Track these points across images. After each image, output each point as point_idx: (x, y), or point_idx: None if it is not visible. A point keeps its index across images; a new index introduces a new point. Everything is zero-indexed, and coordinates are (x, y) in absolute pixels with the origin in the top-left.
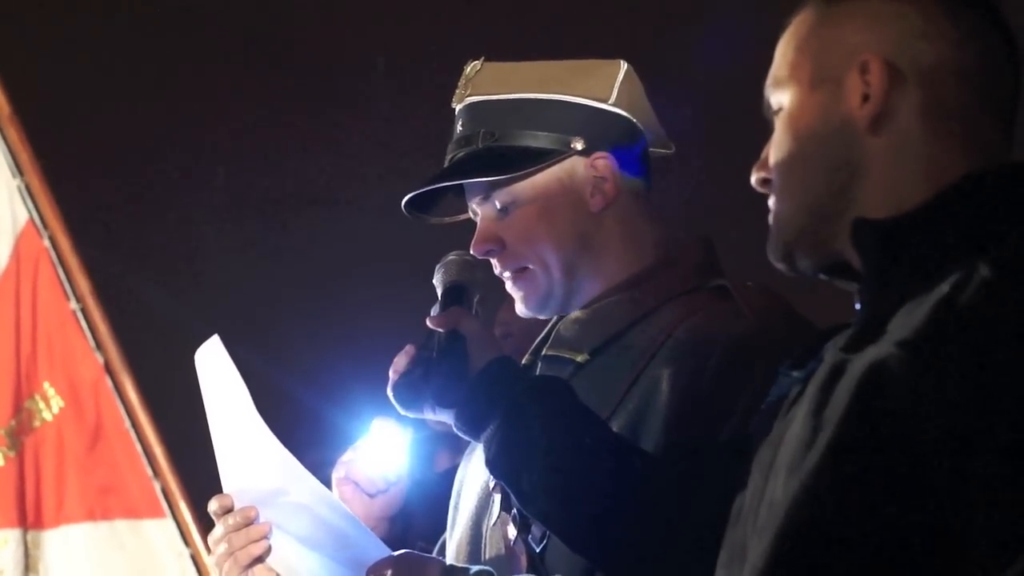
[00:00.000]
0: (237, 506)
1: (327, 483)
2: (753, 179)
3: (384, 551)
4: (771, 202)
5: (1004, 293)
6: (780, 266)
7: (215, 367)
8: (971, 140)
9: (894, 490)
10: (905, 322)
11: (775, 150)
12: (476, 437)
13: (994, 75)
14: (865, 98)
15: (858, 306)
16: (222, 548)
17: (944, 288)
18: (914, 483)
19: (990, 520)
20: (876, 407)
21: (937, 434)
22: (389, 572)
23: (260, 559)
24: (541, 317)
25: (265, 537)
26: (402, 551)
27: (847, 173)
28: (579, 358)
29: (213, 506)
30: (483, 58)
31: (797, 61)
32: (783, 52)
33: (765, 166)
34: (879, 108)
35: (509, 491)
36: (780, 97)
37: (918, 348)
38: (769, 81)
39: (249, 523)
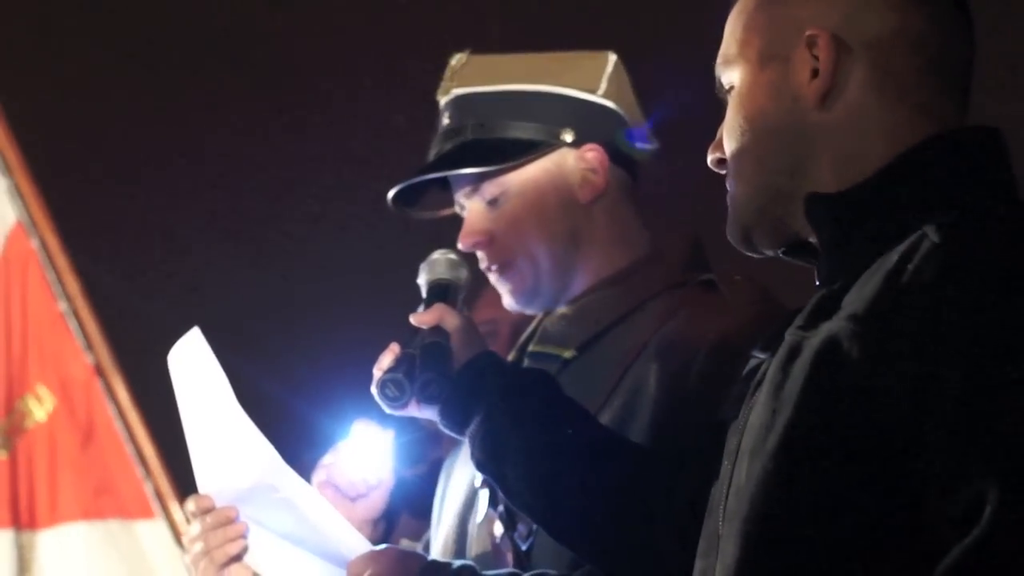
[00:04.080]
0: (217, 505)
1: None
2: (709, 160)
3: (366, 546)
4: (727, 183)
5: (951, 259)
6: (740, 247)
7: (194, 360)
8: (925, 109)
9: (851, 465)
10: (858, 294)
11: (728, 131)
12: (460, 432)
13: (945, 42)
14: (814, 73)
15: (817, 283)
16: (198, 547)
17: (894, 257)
18: (869, 456)
19: (946, 489)
20: (828, 384)
21: (890, 407)
22: (370, 567)
23: (237, 558)
24: (528, 312)
25: (242, 536)
26: (384, 545)
27: (801, 150)
28: (566, 354)
29: (191, 506)
30: (469, 51)
31: (745, 39)
32: (731, 30)
33: (719, 147)
34: (828, 83)
35: (494, 485)
36: (730, 76)
37: (868, 321)
38: (719, 60)
39: (228, 522)
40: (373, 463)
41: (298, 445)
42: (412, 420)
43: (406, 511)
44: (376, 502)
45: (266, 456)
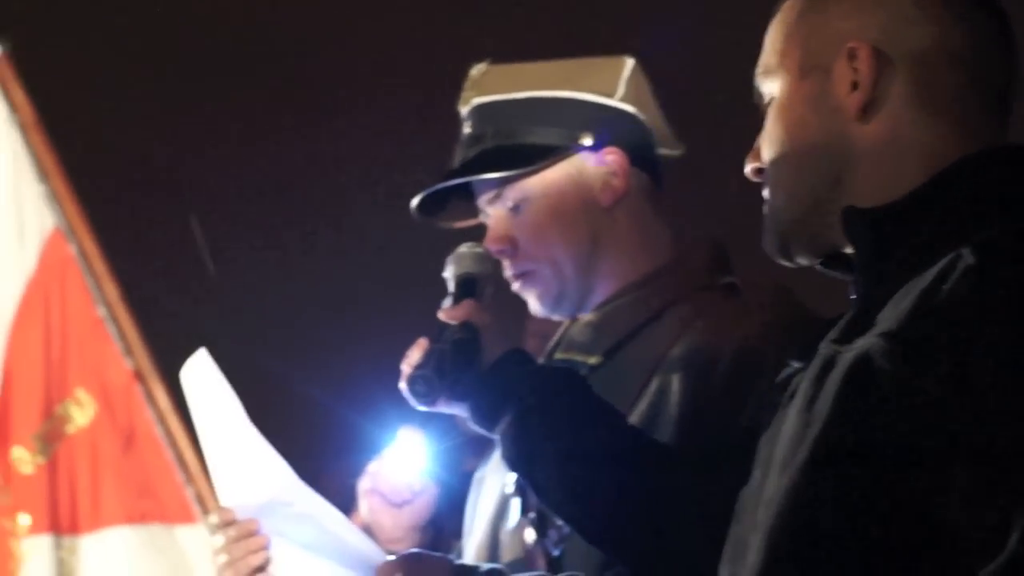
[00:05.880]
0: (239, 518)
1: (355, 492)
2: (747, 169)
3: (384, 556)
4: (765, 193)
5: (986, 280)
6: (777, 258)
7: (204, 382)
8: (964, 125)
9: (879, 484)
10: (892, 312)
11: (767, 141)
12: (491, 429)
13: (986, 57)
14: (854, 86)
15: (852, 296)
16: (223, 559)
17: (929, 276)
18: (898, 476)
19: (974, 510)
20: (860, 401)
21: (920, 426)
22: (399, 571)
23: (260, 568)
24: (556, 318)
25: (264, 548)
26: (411, 550)
27: (839, 162)
28: (591, 361)
29: (214, 519)
30: (488, 60)
31: (785, 49)
32: (772, 40)
33: (757, 156)
34: (868, 96)
35: (524, 483)
36: (770, 86)
37: (901, 339)
38: (759, 70)
39: (250, 535)
40: (416, 469)
41: (340, 449)
42: (454, 426)
43: (453, 517)
44: (421, 508)
45: (279, 473)
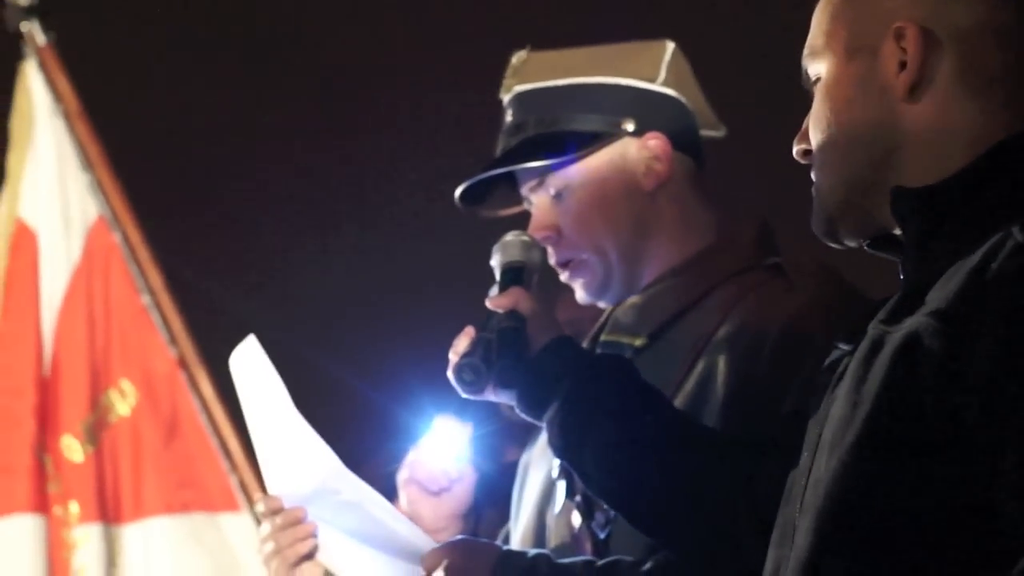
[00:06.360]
0: (285, 506)
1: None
2: (795, 151)
3: (431, 543)
4: (813, 174)
5: None
6: (825, 239)
7: (252, 368)
8: (1013, 103)
9: (928, 465)
10: (941, 292)
11: (814, 122)
12: (538, 417)
13: None
14: (902, 65)
15: (901, 277)
16: (269, 547)
17: (978, 255)
18: (947, 457)
19: (1018, 487)
20: (909, 381)
21: (969, 405)
22: (447, 557)
23: (308, 556)
24: (601, 305)
25: (311, 535)
26: (458, 536)
27: (887, 142)
28: (637, 342)
29: (261, 507)
30: (529, 47)
31: (832, 30)
32: (818, 21)
33: (805, 138)
34: (916, 75)
35: (571, 470)
36: (817, 67)
37: (950, 318)
38: (806, 51)
39: (297, 522)
40: (454, 457)
41: (379, 437)
42: (491, 413)
43: (492, 506)
44: (460, 496)
45: (326, 460)
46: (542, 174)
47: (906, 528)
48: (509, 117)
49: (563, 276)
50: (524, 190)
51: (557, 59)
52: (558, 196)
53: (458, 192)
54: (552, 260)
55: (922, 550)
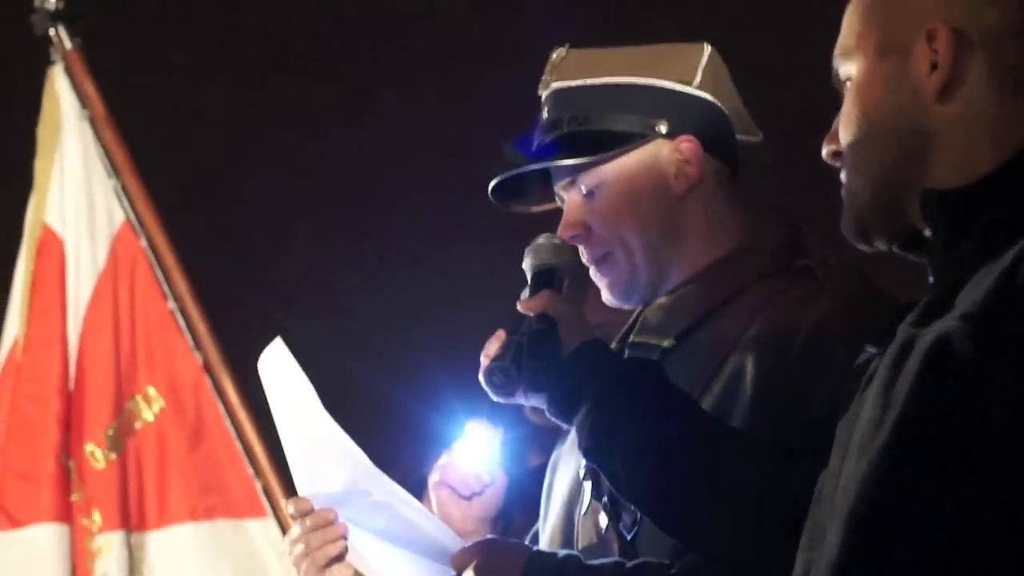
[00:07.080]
0: (315, 508)
1: (425, 483)
2: (824, 152)
3: (461, 543)
4: (843, 176)
5: None
6: (855, 241)
7: (280, 370)
8: None
9: (957, 464)
10: (971, 294)
11: (844, 123)
12: (568, 420)
13: None
14: (933, 66)
15: (931, 279)
16: (299, 549)
17: (1008, 257)
18: (979, 459)
19: None
20: (939, 383)
21: (1000, 408)
22: (476, 557)
23: (338, 558)
24: (627, 307)
25: (342, 537)
26: (488, 536)
27: (917, 144)
28: (665, 343)
29: (290, 509)
30: (568, 45)
31: (863, 31)
32: (849, 21)
33: (835, 139)
34: (948, 76)
35: (601, 473)
36: (848, 68)
37: (980, 321)
38: (837, 52)
39: (327, 524)
40: (485, 461)
41: (411, 440)
42: (521, 417)
43: (521, 509)
44: (491, 500)
45: (357, 461)
46: (574, 172)
47: (936, 532)
48: (545, 113)
49: (592, 273)
50: (557, 188)
51: (594, 57)
52: (589, 195)
53: (491, 186)
54: (584, 259)
55: (951, 552)
